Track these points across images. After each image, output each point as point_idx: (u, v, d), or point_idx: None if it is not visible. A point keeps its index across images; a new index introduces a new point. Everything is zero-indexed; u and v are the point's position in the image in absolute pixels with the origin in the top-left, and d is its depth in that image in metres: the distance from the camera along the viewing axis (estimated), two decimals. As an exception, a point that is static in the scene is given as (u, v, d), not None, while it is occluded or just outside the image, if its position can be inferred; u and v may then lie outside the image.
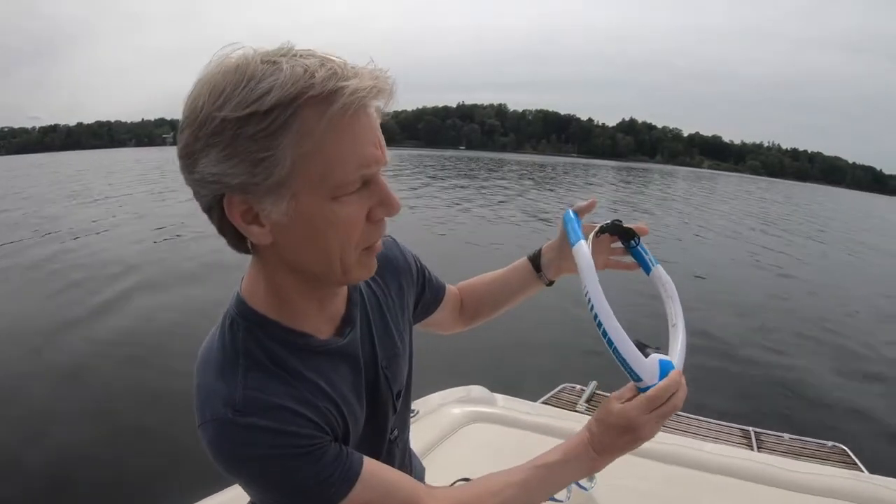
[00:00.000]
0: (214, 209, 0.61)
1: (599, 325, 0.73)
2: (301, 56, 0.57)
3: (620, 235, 0.92)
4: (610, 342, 0.72)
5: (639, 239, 0.91)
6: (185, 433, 0.66)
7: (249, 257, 0.69)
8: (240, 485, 0.67)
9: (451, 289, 1.06)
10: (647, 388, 0.72)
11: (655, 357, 0.73)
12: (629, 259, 0.93)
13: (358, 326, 0.77)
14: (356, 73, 0.57)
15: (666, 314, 0.83)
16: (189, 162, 0.58)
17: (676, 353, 0.77)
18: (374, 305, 0.82)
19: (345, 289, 0.77)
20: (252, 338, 0.66)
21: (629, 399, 0.73)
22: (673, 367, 0.73)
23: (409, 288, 0.91)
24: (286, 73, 0.54)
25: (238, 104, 0.54)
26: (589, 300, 0.74)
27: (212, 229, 0.64)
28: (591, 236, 0.86)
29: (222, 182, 0.57)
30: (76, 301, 6.54)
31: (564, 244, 0.92)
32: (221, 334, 0.67)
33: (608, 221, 0.91)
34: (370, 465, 0.69)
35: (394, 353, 0.83)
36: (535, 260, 1.01)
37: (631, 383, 0.74)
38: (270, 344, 0.66)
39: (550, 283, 1.03)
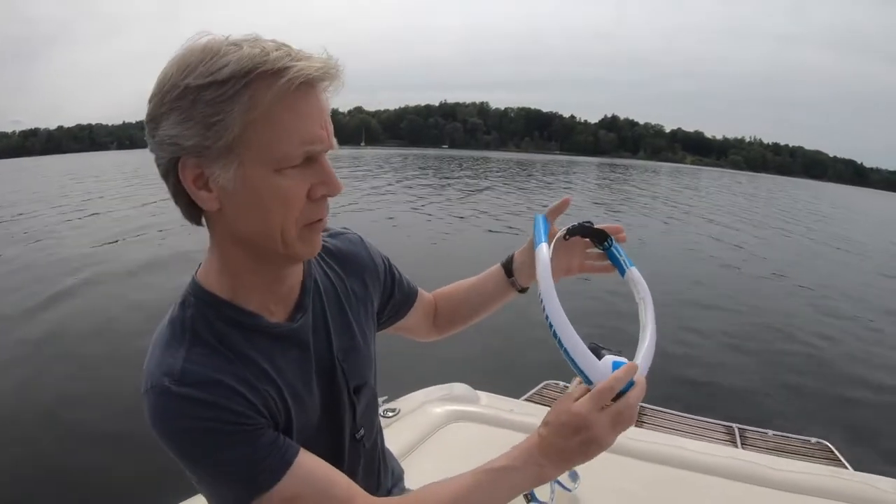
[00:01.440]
0: (171, 174, 0.65)
1: (550, 326, 0.71)
2: (262, 41, 0.63)
3: (592, 237, 0.89)
4: (560, 344, 0.70)
5: (612, 240, 0.88)
6: (148, 439, 0.65)
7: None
8: (175, 458, 0.66)
9: (425, 294, 1.05)
10: None
11: (609, 359, 0.69)
12: (607, 262, 0.91)
13: (310, 313, 0.78)
14: (308, 57, 0.63)
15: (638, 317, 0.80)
16: (153, 126, 0.64)
17: (640, 356, 0.73)
18: (331, 296, 0.83)
19: (299, 275, 0.78)
20: (201, 316, 0.69)
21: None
22: None
23: (374, 286, 0.91)
24: (245, 52, 0.61)
25: (200, 74, 0.60)
26: (541, 302, 0.73)
27: (175, 220, 0.68)
28: (555, 239, 0.84)
29: (178, 144, 0.62)
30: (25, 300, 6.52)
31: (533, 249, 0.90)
32: (173, 312, 0.71)
33: (577, 223, 0.88)
34: (305, 458, 0.68)
35: (352, 346, 0.83)
36: (508, 265, 1.01)
37: (584, 385, 0.71)
38: (219, 324, 0.69)
39: (523, 290, 1.02)
